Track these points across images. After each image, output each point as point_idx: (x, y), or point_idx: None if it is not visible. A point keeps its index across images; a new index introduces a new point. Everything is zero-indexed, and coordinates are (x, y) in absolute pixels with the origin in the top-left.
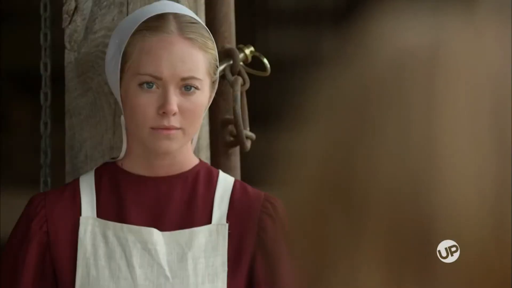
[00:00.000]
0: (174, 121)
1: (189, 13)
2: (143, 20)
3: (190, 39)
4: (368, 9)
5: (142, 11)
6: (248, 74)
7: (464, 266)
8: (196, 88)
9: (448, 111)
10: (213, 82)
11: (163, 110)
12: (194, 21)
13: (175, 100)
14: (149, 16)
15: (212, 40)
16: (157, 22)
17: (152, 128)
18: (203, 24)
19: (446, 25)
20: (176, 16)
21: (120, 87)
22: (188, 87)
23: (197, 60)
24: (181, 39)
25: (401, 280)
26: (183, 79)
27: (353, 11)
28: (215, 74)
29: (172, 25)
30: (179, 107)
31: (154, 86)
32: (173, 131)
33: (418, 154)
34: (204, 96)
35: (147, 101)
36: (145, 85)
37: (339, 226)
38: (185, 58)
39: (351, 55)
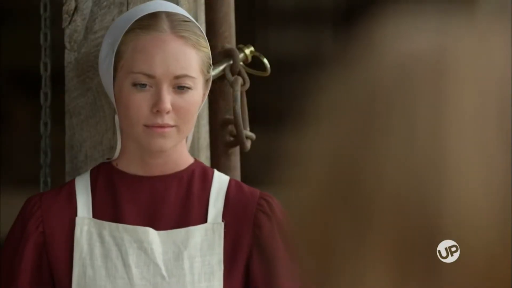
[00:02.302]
0: (168, 119)
1: (182, 12)
2: (136, 19)
3: (183, 37)
4: (373, 13)
5: (135, 10)
6: (248, 74)
7: (471, 269)
8: (189, 88)
9: (454, 115)
10: (206, 80)
11: (156, 108)
12: (187, 19)
13: (168, 98)
14: (142, 15)
15: (205, 38)
16: (150, 21)
17: (146, 126)
18: (196, 22)
19: (451, 29)
20: (169, 14)
21: (114, 85)
22: (181, 87)
23: (190, 58)
24: (174, 37)
25: (407, 283)
26: (176, 77)
27: (358, 14)
28: (208, 72)
29: (165, 24)
30: (173, 105)
31: (147, 86)
32: (167, 129)
33: (424, 157)
34: (197, 94)
35: (140, 99)
36: (138, 86)
37: (345, 228)
38: (178, 56)
39: (356, 58)
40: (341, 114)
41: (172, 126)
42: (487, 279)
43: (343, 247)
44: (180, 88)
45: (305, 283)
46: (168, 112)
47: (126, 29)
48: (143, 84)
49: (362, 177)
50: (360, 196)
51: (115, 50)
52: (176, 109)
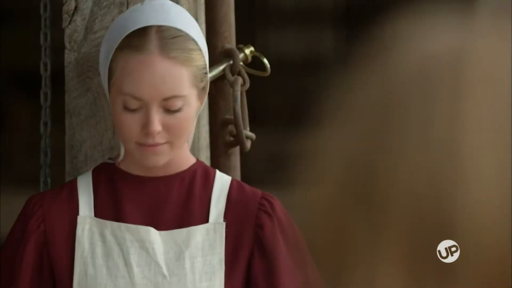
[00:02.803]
0: (159, 138)
1: (175, 21)
2: (127, 34)
3: (171, 57)
4: (390, 14)
5: (130, 16)
6: (248, 74)
7: (484, 268)
8: (180, 109)
9: (472, 115)
10: (202, 88)
11: (145, 131)
12: (179, 34)
13: (157, 120)
14: (134, 28)
15: (198, 49)
16: (139, 41)
17: (138, 144)
18: (189, 34)
19: (470, 30)
20: (159, 30)
21: (109, 92)
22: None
23: (179, 79)
24: (162, 58)
25: (421, 281)
26: (165, 99)
27: (359, 14)
28: (202, 81)
29: (153, 44)
30: (164, 124)
31: (137, 108)
32: (158, 147)
33: (441, 157)
34: (190, 109)
35: (131, 120)
36: (129, 109)
37: (360, 227)
38: (166, 78)
39: (372, 59)
40: (357, 115)
41: (164, 143)
42: (502, 278)
43: (356, 246)
44: (170, 111)
45: (310, 282)
46: (158, 133)
47: (117, 43)
48: (134, 109)
49: (376, 177)
50: (374, 196)
51: (109, 60)
52: (167, 127)
